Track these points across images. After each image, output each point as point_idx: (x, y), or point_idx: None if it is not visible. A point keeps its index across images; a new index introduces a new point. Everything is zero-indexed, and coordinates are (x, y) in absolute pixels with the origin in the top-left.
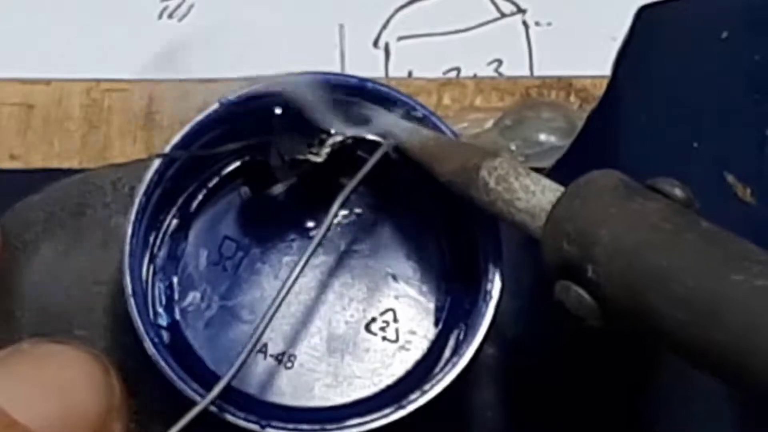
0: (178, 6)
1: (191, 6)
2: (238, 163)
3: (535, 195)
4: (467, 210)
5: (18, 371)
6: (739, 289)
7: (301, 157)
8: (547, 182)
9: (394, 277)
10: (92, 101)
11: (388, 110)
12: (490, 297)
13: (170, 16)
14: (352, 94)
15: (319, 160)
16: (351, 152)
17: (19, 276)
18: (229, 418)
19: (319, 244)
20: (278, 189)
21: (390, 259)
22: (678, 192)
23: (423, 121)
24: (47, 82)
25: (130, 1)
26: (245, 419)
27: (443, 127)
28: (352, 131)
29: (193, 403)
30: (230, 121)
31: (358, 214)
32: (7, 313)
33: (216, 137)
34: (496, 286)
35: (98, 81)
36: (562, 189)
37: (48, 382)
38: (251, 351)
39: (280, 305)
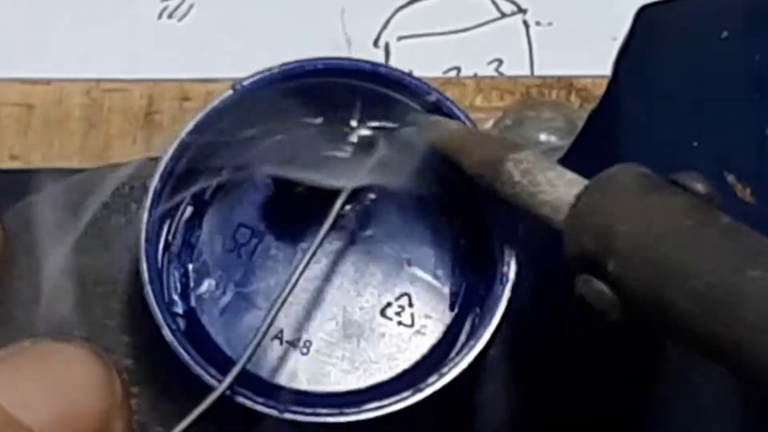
0: (178, 6)
1: (191, 6)
2: (254, 150)
3: (559, 188)
4: (482, 195)
5: (19, 369)
6: (755, 285)
7: (328, 153)
8: (571, 176)
9: (409, 262)
10: (92, 101)
11: (401, 95)
12: (507, 280)
13: (170, 16)
14: (365, 79)
15: (345, 155)
16: (372, 144)
17: (19, 276)
18: (248, 403)
19: (326, 236)
20: (302, 187)
21: (404, 244)
22: (700, 187)
23: (437, 104)
24: (47, 82)
25: (130, 1)
26: (264, 404)
27: (456, 111)
28: (374, 123)
29: (210, 389)
30: (244, 107)
31: (372, 200)
32: (7, 313)
33: (230, 123)
34: (511, 270)
35: (98, 81)
36: (586, 182)
37: (49, 380)
38: (264, 336)
39: (290, 292)
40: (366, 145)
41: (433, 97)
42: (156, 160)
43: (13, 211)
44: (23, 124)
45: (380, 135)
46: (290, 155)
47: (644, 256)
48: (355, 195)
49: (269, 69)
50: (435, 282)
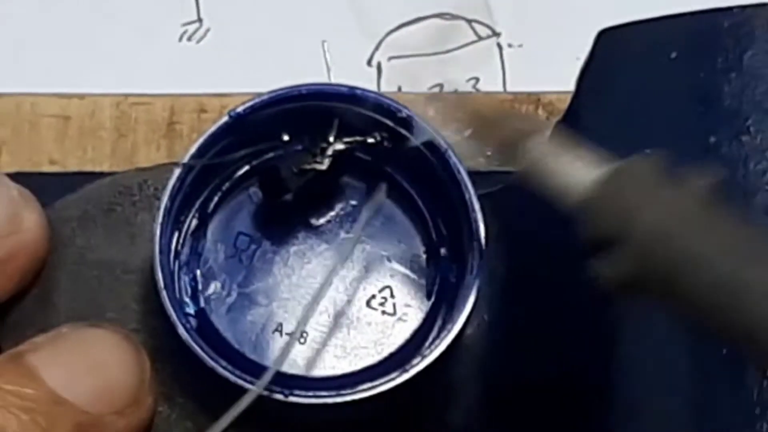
0: (196, 30)
1: (207, 30)
2: (247, 167)
3: (577, 172)
4: (450, 197)
5: (60, 352)
6: (762, 278)
7: (307, 166)
8: (591, 159)
9: (389, 259)
10: (121, 113)
11: (375, 113)
12: (475, 271)
13: (189, 38)
14: (343, 101)
15: (323, 167)
16: (349, 154)
17: (57, 266)
18: (244, 383)
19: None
20: (288, 195)
21: (383, 243)
22: (712, 180)
23: (407, 120)
24: (81, 96)
25: (154, 26)
26: (270, 390)
27: (424, 124)
28: (348, 139)
29: (222, 380)
30: (239, 130)
31: (353, 206)
32: (46, 301)
33: (227, 145)
34: (478, 263)
35: (126, 96)
36: (604, 168)
37: (87, 361)
38: (293, 341)
39: (318, 301)
40: (340, 157)
41: (403, 114)
42: (176, 164)
43: (52, 208)
44: (61, 133)
45: (354, 148)
46: (278, 170)
47: (657, 246)
48: (340, 201)
49: (260, 95)
50: (412, 275)
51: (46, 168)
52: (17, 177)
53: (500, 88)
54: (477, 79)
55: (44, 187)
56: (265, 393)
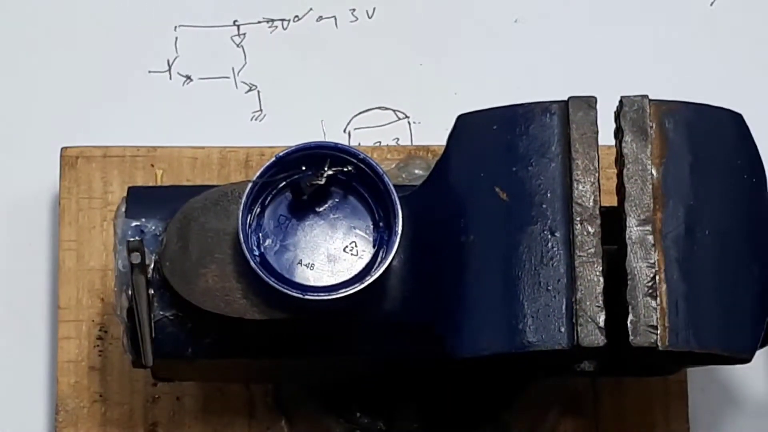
0: (260, 116)
1: (264, 115)
2: (283, 183)
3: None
4: (383, 196)
5: None
6: None
7: (314, 182)
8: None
9: (354, 228)
10: (222, 157)
11: (346, 155)
12: (396, 234)
13: (255, 119)
14: (332, 149)
15: (322, 182)
16: (334, 176)
17: (186, 231)
18: (286, 291)
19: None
20: (305, 196)
21: (351, 219)
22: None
23: (365, 159)
24: (201, 147)
25: (231, 114)
26: (290, 290)
27: (374, 164)
28: (329, 172)
29: (272, 288)
30: (280, 165)
31: (337, 201)
32: (185, 247)
33: (273, 173)
34: (399, 227)
35: (220, 148)
36: None
37: None
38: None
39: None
40: (330, 177)
41: (361, 156)
42: (248, 182)
43: (189, 202)
44: (191, 167)
45: (337, 173)
46: (299, 184)
47: None
48: (330, 198)
49: (289, 147)
50: (366, 235)
51: (185, 183)
52: (171, 188)
53: (410, 143)
54: (398, 139)
55: (187, 194)
56: (292, 293)
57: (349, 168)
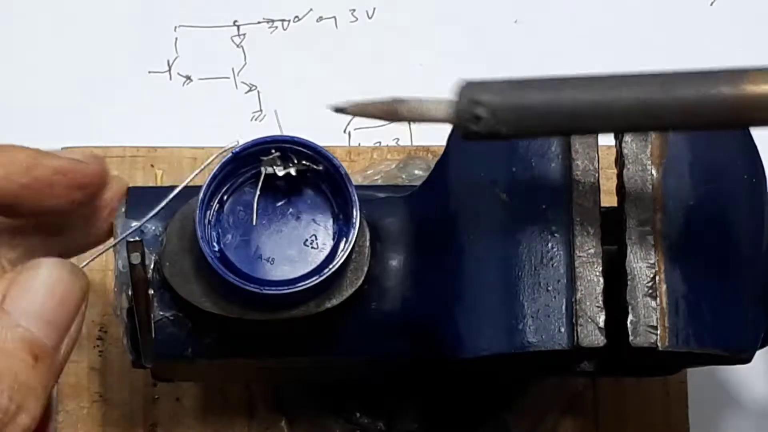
0: (260, 116)
1: (264, 115)
2: (242, 179)
3: (437, 104)
4: (343, 191)
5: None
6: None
7: (283, 172)
8: (436, 98)
9: (315, 220)
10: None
11: (310, 151)
12: (354, 226)
13: (256, 120)
14: (296, 144)
15: (293, 172)
16: (301, 174)
17: (185, 233)
18: (245, 286)
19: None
20: (264, 190)
21: (313, 212)
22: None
23: (329, 158)
24: (201, 147)
25: (231, 115)
26: (249, 285)
27: (335, 160)
28: (299, 167)
29: (231, 284)
30: (238, 161)
31: (297, 195)
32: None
33: (233, 168)
34: (356, 221)
35: (220, 148)
36: (448, 98)
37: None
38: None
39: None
40: (295, 175)
41: (318, 148)
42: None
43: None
44: (190, 166)
45: (303, 170)
46: (256, 180)
47: (503, 108)
48: (290, 194)
49: (250, 141)
50: (326, 228)
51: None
52: (171, 188)
53: (410, 143)
54: (398, 139)
55: (185, 192)
56: (251, 288)
57: (320, 167)
